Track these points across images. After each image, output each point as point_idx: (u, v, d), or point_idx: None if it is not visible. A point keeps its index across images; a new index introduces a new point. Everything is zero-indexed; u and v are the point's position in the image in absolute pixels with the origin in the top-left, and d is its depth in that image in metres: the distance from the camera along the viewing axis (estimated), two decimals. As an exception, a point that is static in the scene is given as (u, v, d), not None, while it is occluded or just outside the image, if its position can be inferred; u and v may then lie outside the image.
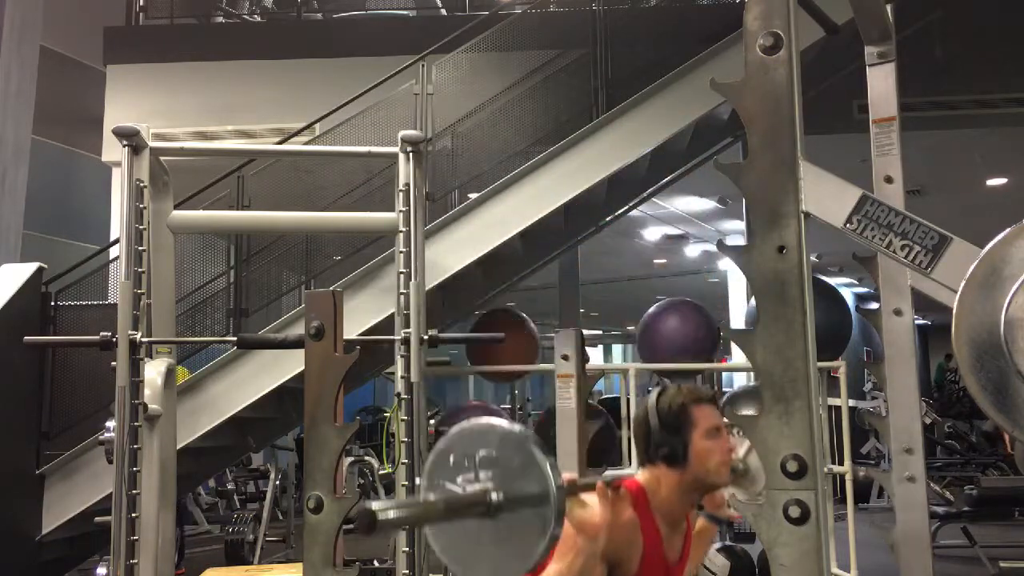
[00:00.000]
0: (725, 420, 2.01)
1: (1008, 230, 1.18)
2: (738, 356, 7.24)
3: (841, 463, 5.23)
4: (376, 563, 5.37)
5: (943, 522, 6.45)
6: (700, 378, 9.93)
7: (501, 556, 1.48)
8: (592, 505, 1.71)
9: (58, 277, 5.47)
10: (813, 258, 2.37)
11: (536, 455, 1.45)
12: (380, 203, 4.96)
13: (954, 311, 1.18)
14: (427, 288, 4.00)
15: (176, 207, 4.23)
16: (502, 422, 1.49)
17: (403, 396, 3.71)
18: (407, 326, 3.76)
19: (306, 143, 5.88)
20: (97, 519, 4.16)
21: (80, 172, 9.69)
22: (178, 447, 4.12)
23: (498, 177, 5.50)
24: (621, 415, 5.42)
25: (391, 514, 1.30)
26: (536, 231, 5.50)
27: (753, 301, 1.30)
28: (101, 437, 3.64)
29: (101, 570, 3.96)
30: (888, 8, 1.84)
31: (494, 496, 1.46)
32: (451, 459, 1.50)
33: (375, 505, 1.25)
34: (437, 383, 13.90)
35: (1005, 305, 1.14)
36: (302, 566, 1.83)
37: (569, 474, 1.64)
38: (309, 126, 5.94)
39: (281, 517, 8.62)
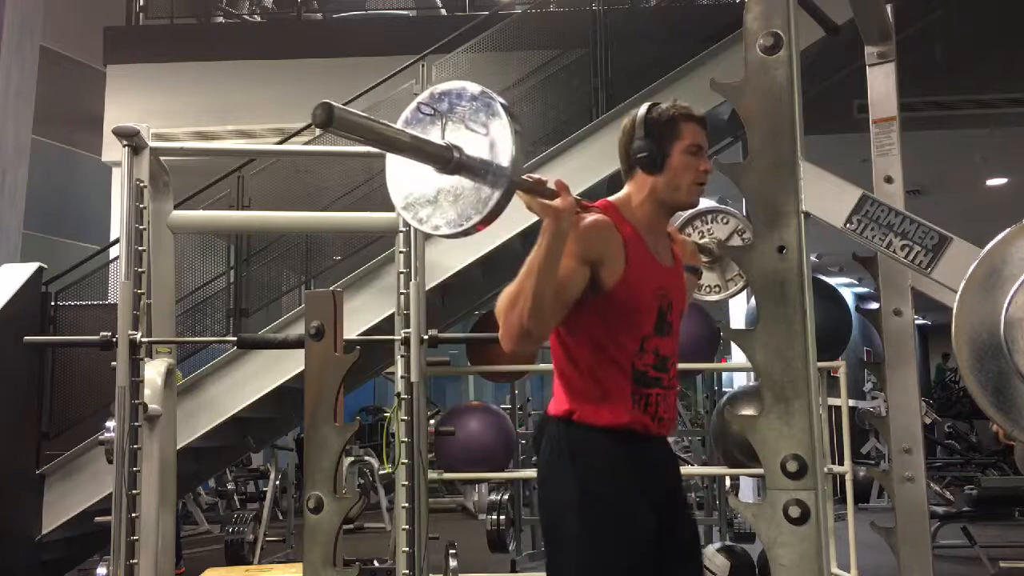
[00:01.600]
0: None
1: (1008, 230, 1.18)
2: (738, 356, 7.24)
3: (841, 463, 5.22)
4: (376, 563, 5.36)
5: (943, 522, 6.44)
6: (700, 378, 9.94)
7: (456, 211, 1.59)
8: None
9: (58, 277, 5.47)
10: (813, 258, 2.38)
11: (509, 133, 1.53)
12: (380, 203, 4.96)
13: (954, 311, 1.18)
14: (427, 288, 4.00)
15: (176, 207, 4.23)
16: (471, 84, 1.59)
17: (403, 396, 3.71)
18: (407, 326, 3.76)
19: (306, 143, 5.88)
20: (97, 519, 4.16)
21: (80, 172, 9.69)
22: (178, 447, 4.12)
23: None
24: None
25: (351, 117, 1.37)
26: (536, 231, 5.50)
27: (753, 301, 1.29)
28: (101, 437, 3.64)
29: (101, 570, 3.94)
30: (888, 8, 1.84)
31: (457, 155, 1.56)
32: (434, 110, 1.62)
33: (336, 104, 1.31)
34: (437, 383, 13.89)
35: (1005, 305, 1.14)
36: (302, 566, 1.83)
37: (535, 177, 1.74)
38: (309, 126, 5.93)
39: (281, 517, 8.61)
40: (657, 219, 2.00)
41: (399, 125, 1.63)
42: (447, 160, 1.54)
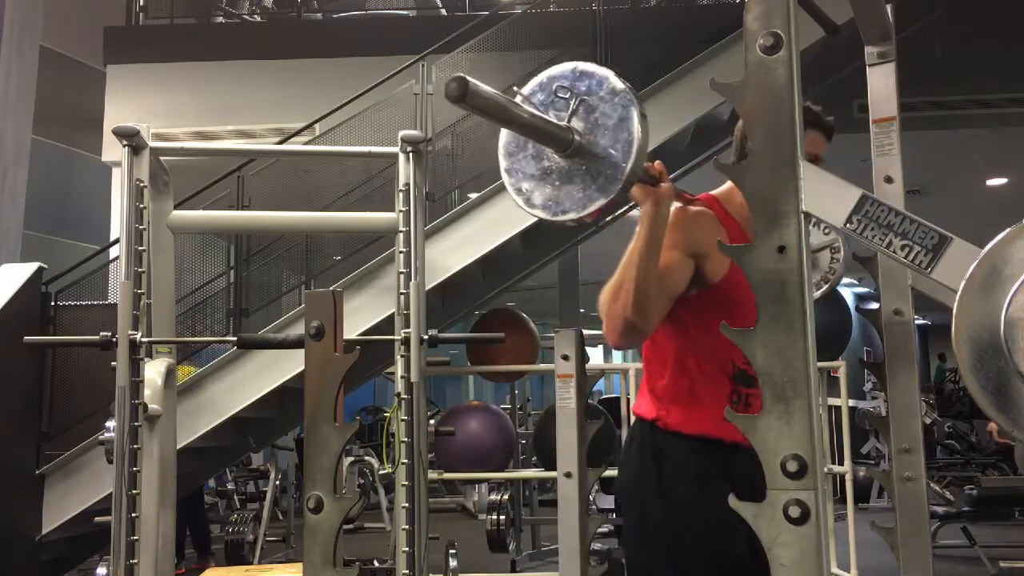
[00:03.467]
0: None
1: (1008, 230, 1.18)
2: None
3: (841, 463, 5.23)
4: (376, 563, 5.36)
5: (943, 522, 6.45)
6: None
7: (559, 195, 1.51)
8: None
9: (58, 277, 5.47)
10: (813, 258, 2.38)
11: (635, 120, 1.46)
12: (380, 203, 4.96)
13: (954, 311, 1.18)
14: (427, 288, 4.00)
15: (176, 207, 4.23)
16: (614, 76, 1.52)
17: (403, 396, 3.71)
18: (407, 326, 3.76)
19: (306, 143, 5.88)
20: (97, 519, 4.16)
21: (80, 172, 9.69)
22: (178, 447, 4.12)
23: (498, 177, 5.47)
24: (621, 415, 5.42)
25: (482, 89, 1.33)
26: (536, 231, 5.50)
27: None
28: (101, 437, 3.64)
29: (101, 570, 3.95)
30: (888, 8, 1.84)
31: (577, 138, 1.49)
32: (553, 87, 1.54)
33: (470, 77, 1.30)
34: (437, 383, 13.90)
35: (1005, 305, 1.14)
36: (302, 566, 1.83)
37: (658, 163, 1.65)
38: (309, 126, 5.94)
39: (281, 517, 8.62)
40: None
41: (530, 88, 1.56)
42: (567, 142, 1.48)
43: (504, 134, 1.61)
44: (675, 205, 1.80)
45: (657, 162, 1.67)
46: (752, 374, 1.86)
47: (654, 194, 1.67)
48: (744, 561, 1.83)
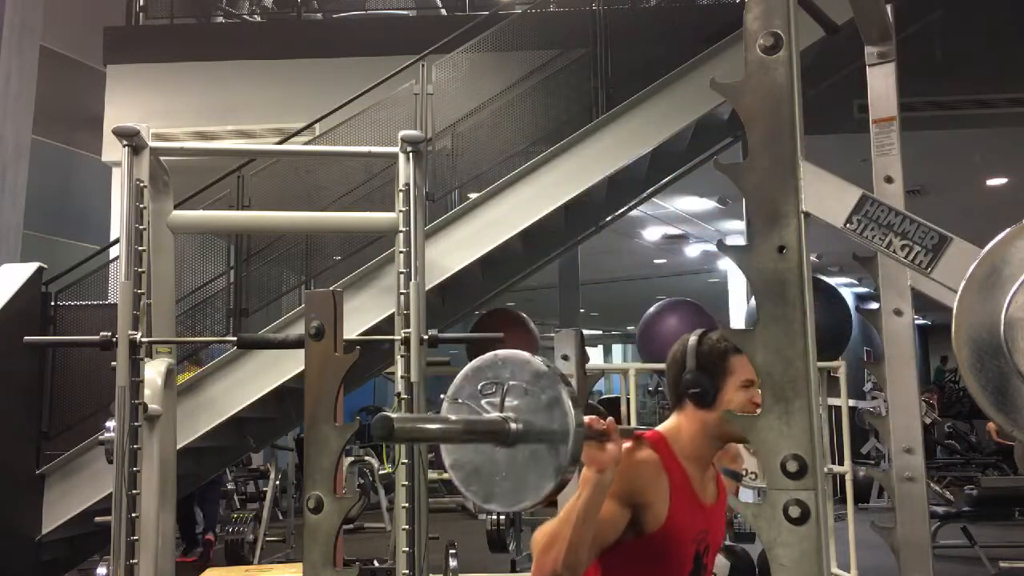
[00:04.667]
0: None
1: (1008, 230, 1.18)
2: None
3: (841, 463, 5.23)
4: (376, 563, 5.36)
5: (943, 522, 6.45)
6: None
7: (511, 486, 1.50)
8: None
9: (58, 277, 5.47)
10: (813, 258, 2.38)
11: (563, 395, 1.47)
12: (380, 203, 4.96)
13: (954, 311, 1.18)
14: (427, 288, 4.00)
15: (176, 207, 4.23)
16: (537, 359, 1.51)
17: (403, 396, 3.71)
18: (407, 326, 3.76)
19: (306, 143, 5.88)
20: (97, 519, 4.16)
21: (80, 172, 9.69)
22: (178, 447, 4.12)
23: (498, 177, 5.50)
24: (621, 415, 5.42)
25: (408, 425, 1.32)
26: (536, 231, 5.50)
27: (753, 301, 1.30)
28: (101, 437, 3.64)
29: (101, 570, 3.95)
30: (888, 8, 1.84)
31: (513, 426, 1.49)
32: (479, 381, 1.54)
33: (394, 414, 1.28)
34: (437, 383, 13.89)
35: (1005, 305, 1.14)
36: (302, 566, 1.83)
37: (589, 417, 1.63)
38: (309, 126, 5.94)
39: (281, 517, 8.62)
40: (708, 452, 1.92)
41: (457, 384, 1.56)
42: (505, 434, 1.47)
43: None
44: (624, 444, 1.78)
45: (610, 419, 1.66)
46: None
47: (598, 461, 1.66)
48: None
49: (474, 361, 1.54)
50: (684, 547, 1.86)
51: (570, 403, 1.46)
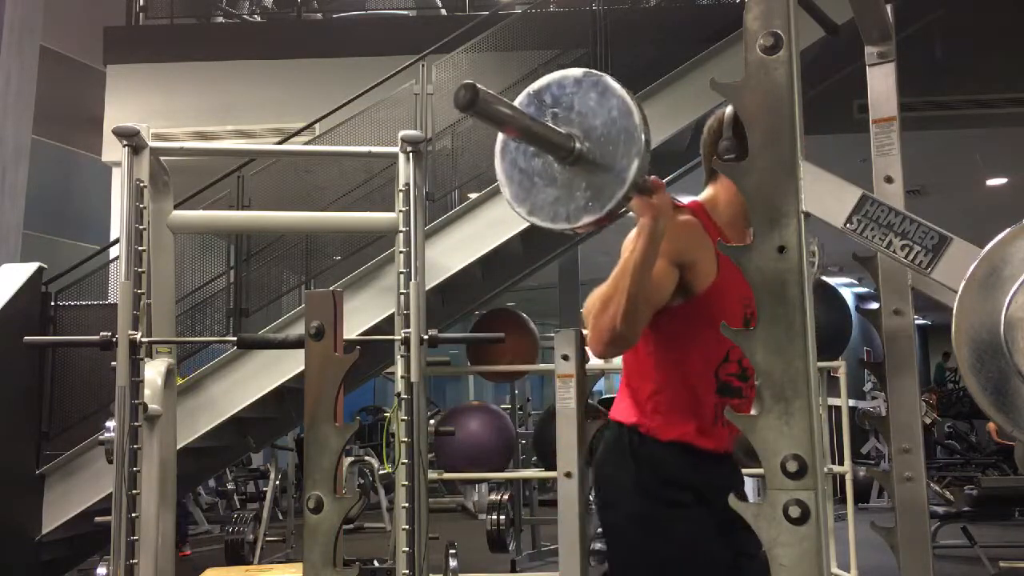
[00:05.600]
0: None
1: (1008, 230, 1.18)
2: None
3: (841, 463, 5.23)
4: (376, 563, 5.36)
5: (943, 522, 6.44)
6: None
7: (552, 198, 1.51)
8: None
9: (58, 277, 5.47)
10: (813, 258, 2.38)
11: (638, 127, 1.46)
12: (380, 203, 4.96)
13: (954, 311, 1.18)
14: (427, 288, 4.00)
15: (176, 207, 4.23)
16: (620, 90, 1.51)
17: (403, 396, 3.71)
18: (407, 326, 3.76)
19: (306, 143, 5.88)
20: (97, 519, 4.16)
21: (80, 172, 9.69)
22: (178, 447, 4.12)
23: (498, 177, 5.49)
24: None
25: (491, 97, 1.35)
26: (536, 231, 5.50)
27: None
28: (101, 437, 3.64)
29: (101, 570, 3.95)
30: (888, 8, 1.84)
31: (578, 145, 1.49)
32: (562, 93, 1.54)
33: (480, 85, 1.30)
34: (437, 383, 13.90)
35: (1005, 305, 1.14)
36: (302, 566, 1.83)
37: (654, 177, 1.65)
38: (309, 126, 5.94)
39: (281, 517, 8.61)
40: (742, 223, 1.91)
41: (531, 93, 1.57)
42: (568, 150, 1.47)
43: (500, 139, 1.60)
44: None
45: (653, 176, 1.67)
46: (736, 385, 1.87)
47: (653, 208, 1.67)
48: (728, 565, 1.84)
49: (553, 75, 1.55)
50: (733, 307, 1.85)
51: (642, 134, 1.45)
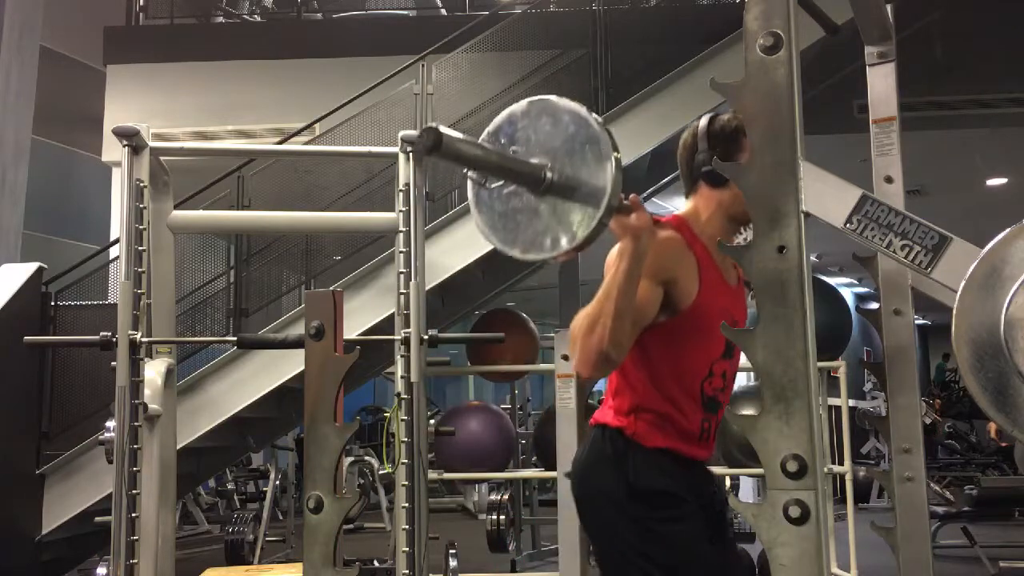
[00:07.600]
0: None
1: (1008, 230, 1.18)
2: (738, 356, 7.22)
3: (841, 463, 5.23)
4: (376, 563, 5.35)
5: (943, 522, 6.44)
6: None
7: (539, 231, 1.49)
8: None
9: (58, 277, 5.47)
10: (813, 258, 2.38)
11: (604, 149, 1.45)
12: (380, 203, 4.96)
13: (954, 311, 1.18)
14: (427, 288, 4.00)
15: (176, 207, 4.23)
16: (579, 108, 1.49)
17: (403, 396, 3.71)
18: (407, 326, 3.76)
19: (306, 143, 5.88)
20: (97, 519, 4.16)
21: (80, 172, 9.69)
22: (178, 447, 4.12)
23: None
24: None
25: (455, 143, 1.33)
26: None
27: (753, 301, 1.30)
28: (101, 437, 3.64)
29: (101, 570, 3.95)
30: (888, 8, 1.84)
31: (549, 175, 1.48)
32: (515, 130, 1.53)
33: (443, 127, 1.28)
34: (437, 383, 13.89)
35: (1005, 305, 1.14)
36: (302, 566, 1.83)
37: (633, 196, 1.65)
38: (309, 126, 5.94)
39: (281, 517, 8.61)
40: (726, 235, 1.92)
41: (496, 126, 1.56)
42: (540, 181, 1.46)
43: (471, 193, 1.57)
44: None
45: (632, 195, 1.67)
46: (720, 399, 1.88)
47: (633, 228, 1.66)
48: (720, 564, 1.86)
49: (514, 107, 1.54)
50: (717, 323, 1.85)
51: (612, 159, 1.44)
